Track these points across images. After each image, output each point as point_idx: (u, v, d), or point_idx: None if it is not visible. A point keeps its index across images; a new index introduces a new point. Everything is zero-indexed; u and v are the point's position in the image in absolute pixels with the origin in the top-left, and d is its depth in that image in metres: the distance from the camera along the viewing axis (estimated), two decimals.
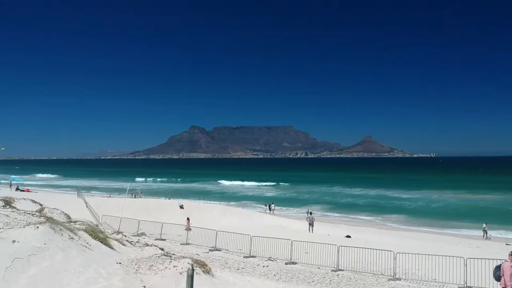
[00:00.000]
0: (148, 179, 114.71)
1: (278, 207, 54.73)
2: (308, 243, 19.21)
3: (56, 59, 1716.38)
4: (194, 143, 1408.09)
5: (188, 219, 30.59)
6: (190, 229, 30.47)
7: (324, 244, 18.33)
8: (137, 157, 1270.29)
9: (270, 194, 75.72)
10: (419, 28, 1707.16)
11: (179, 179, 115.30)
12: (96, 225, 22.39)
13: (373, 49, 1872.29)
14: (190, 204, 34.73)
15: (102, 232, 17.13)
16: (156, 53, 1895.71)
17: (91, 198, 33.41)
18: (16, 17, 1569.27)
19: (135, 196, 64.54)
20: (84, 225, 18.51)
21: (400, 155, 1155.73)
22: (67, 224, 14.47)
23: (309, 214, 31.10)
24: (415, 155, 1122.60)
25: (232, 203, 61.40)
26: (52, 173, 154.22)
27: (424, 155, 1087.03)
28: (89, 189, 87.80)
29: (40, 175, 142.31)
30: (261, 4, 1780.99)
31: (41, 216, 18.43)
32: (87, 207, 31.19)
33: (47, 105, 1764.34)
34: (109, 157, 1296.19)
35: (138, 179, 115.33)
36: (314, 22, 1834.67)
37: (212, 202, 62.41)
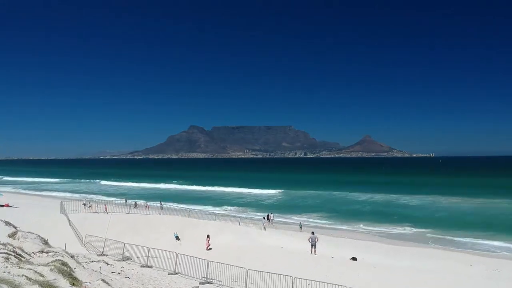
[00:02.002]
0: (142, 183, 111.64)
1: (277, 218, 52.47)
2: (313, 281, 16.73)
3: (55, 59, 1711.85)
4: (193, 143, 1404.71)
5: (208, 237, 28.20)
6: (210, 248, 28.07)
7: (331, 285, 15.84)
8: (136, 157, 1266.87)
9: (269, 201, 73.20)
10: (418, 28, 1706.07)
11: (175, 182, 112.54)
12: (72, 256, 19.77)
13: (372, 49, 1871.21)
14: (182, 220, 32.22)
15: (70, 275, 14.56)
16: (155, 53, 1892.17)
17: (75, 215, 30.83)
18: (16, 17, 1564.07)
19: (136, 206, 61.96)
20: (55, 257, 16.05)
21: (399, 155, 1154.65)
22: (11, 279, 11.85)
23: (311, 234, 28.65)
24: (414, 155, 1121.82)
25: (227, 210, 59.23)
26: (45, 176, 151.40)
27: (423, 155, 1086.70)
28: (78, 193, 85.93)
29: (6, 178, 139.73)
30: (261, 4, 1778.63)
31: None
32: (70, 225, 28.66)
33: (46, 105, 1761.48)
34: (108, 157, 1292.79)
35: (131, 184, 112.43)
36: (314, 22, 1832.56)
37: (207, 208, 60.39)
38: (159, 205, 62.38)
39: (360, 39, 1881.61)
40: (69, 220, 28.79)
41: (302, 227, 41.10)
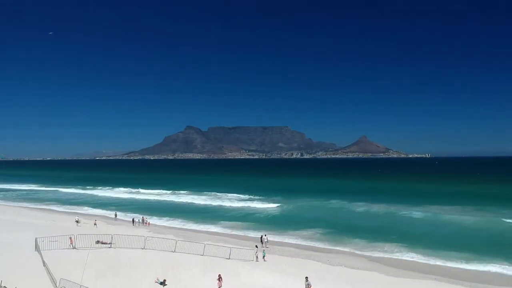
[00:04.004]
0: (135, 193, 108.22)
1: (272, 236, 50.32)
2: None
3: (51, 59, 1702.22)
4: (190, 143, 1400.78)
5: (220, 277, 25.83)
6: None
7: None
8: (132, 158, 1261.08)
9: (263, 214, 70.60)
10: (414, 28, 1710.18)
11: (166, 190, 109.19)
12: None
13: (369, 49, 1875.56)
14: (168, 257, 29.80)
15: None
16: (151, 53, 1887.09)
17: (50, 253, 28.35)
18: (13, 16, 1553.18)
19: (133, 222, 59.54)
20: None
21: (395, 155, 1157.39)
22: None
23: (305, 281, 26.44)
24: (410, 155, 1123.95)
25: (218, 229, 56.69)
26: (36, 182, 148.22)
27: (419, 155, 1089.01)
28: (68, 203, 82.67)
29: None
30: (258, 4, 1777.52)
31: None
32: (44, 265, 26.27)
33: (42, 105, 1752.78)
34: (104, 158, 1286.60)
35: (122, 194, 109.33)
36: (310, 22, 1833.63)
37: (197, 227, 57.95)
38: (141, 219, 60.30)
39: (357, 39, 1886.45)
40: (43, 261, 26.39)
41: (265, 257, 37.69)
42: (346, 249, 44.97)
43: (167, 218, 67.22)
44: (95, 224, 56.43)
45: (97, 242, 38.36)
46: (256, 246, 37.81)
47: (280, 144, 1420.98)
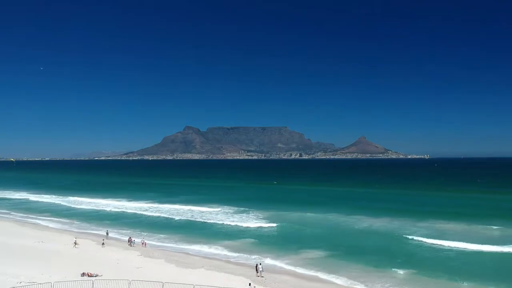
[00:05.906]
0: (129, 207, 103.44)
1: (268, 262, 47.47)
2: None
3: (49, 59, 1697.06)
4: (189, 143, 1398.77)
5: None
6: None
7: None
8: (130, 158, 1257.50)
9: (259, 233, 66.77)
10: (412, 29, 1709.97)
11: (159, 204, 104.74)
12: None
13: (368, 50, 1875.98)
14: None
15: None
16: (151, 53, 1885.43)
17: None
18: (12, 16, 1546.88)
19: (129, 242, 56.77)
20: None
21: (394, 156, 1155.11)
22: None
23: None
24: (409, 156, 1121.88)
25: (210, 253, 53.60)
26: (27, 188, 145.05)
27: (418, 156, 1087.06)
28: (57, 214, 78.04)
29: None
30: (256, 4, 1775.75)
31: None
32: None
33: (41, 105, 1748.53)
34: (102, 158, 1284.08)
35: (114, 208, 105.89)
36: (308, 23, 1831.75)
37: (187, 251, 54.84)
38: (129, 240, 57.73)
39: (354, 39, 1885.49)
40: None
41: None
42: (345, 280, 41.89)
43: (159, 236, 64.33)
44: (103, 243, 54.71)
45: (83, 274, 35.57)
46: (250, 284, 34.83)
47: (279, 145, 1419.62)
